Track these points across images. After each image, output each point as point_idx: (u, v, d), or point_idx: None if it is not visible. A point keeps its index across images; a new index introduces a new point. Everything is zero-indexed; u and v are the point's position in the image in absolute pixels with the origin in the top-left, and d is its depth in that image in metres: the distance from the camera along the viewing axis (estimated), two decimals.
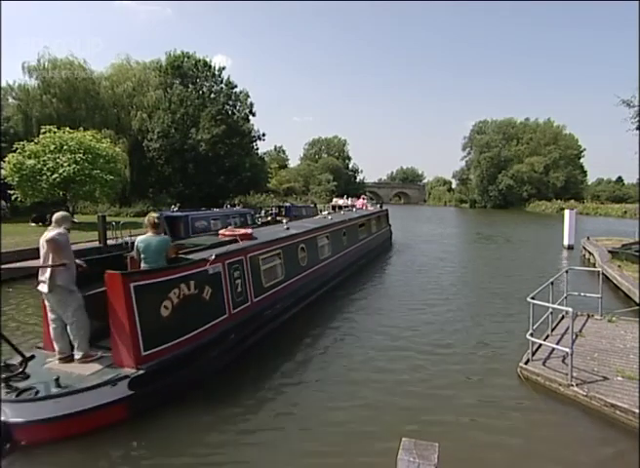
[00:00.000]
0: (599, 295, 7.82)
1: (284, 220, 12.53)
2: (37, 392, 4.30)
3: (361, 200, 27.45)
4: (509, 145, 71.36)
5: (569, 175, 66.53)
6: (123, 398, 4.57)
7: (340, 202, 32.80)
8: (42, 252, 4.96)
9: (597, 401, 4.85)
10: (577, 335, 6.77)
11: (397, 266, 15.20)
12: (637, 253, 12.78)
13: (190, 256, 6.12)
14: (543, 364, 5.83)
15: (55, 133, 21.71)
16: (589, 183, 78.18)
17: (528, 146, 70.35)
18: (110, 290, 4.80)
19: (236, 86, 41.47)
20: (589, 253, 15.65)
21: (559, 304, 6.78)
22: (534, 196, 65.42)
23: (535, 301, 5.88)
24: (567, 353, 5.41)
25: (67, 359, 5.01)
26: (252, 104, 42.16)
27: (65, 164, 20.24)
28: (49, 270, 4.81)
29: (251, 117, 42.69)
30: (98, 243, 15.61)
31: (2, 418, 4.13)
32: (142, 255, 5.45)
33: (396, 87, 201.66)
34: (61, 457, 4.08)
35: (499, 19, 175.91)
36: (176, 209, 20.37)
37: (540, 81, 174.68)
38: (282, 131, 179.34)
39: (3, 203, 24.88)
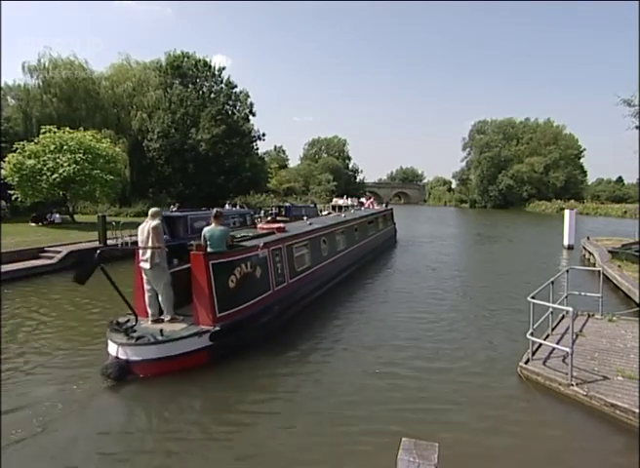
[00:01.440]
0: (599, 295, 7.82)
1: (304, 217, 14.42)
2: (149, 339, 5.77)
3: (368, 200, 28.33)
4: (509, 145, 71.27)
5: (569, 175, 66.45)
6: (205, 347, 6.06)
7: (341, 202, 32.87)
8: (141, 237, 6.35)
9: (597, 400, 4.85)
10: (577, 335, 6.76)
11: (401, 262, 15.65)
12: (637, 253, 12.78)
13: (243, 244, 7.51)
14: (544, 363, 5.82)
15: (55, 133, 21.69)
16: (589, 183, 78.08)
17: (528, 146, 70.27)
18: (194, 266, 6.30)
19: (236, 86, 41.56)
20: (589, 253, 15.64)
21: (559, 304, 6.78)
22: (534, 196, 65.35)
23: (535, 301, 5.87)
24: (567, 353, 5.41)
25: (158, 320, 6.46)
26: (252, 104, 42.25)
27: (65, 164, 20.21)
28: (149, 251, 6.19)
29: (251, 117, 42.75)
30: (98, 243, 15.61)
31: (124, 357, 5.69)
32: (208, 242, 6.70)
33: (396, 87, 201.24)
34: (163, 387, 5.51)
35: (499, 19, 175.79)
36: (174, 209, 20.30)
37: (541, 81, 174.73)
38: (282, 131, 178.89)
39: (3, 203, 24.86)
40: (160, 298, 6.44)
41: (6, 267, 12.18)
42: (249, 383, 5.70)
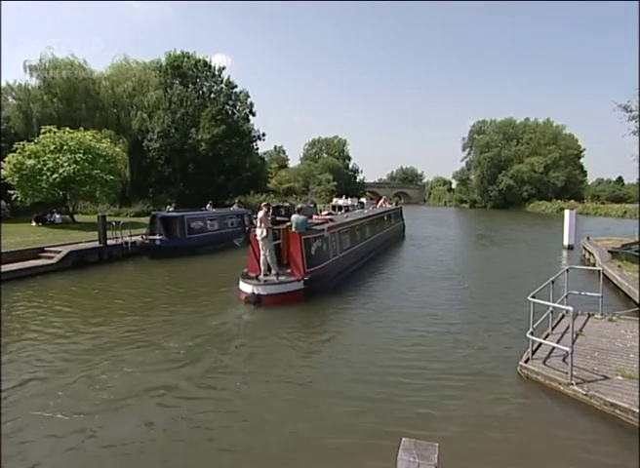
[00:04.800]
0: (599, 295, 7.81)
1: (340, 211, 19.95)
2: (272, 281, 9.56)
3: (382, 199, 29.81)
4: (509, 145, 71.10)
5: (569, 175, 66.29)
6: (301, 289, 9.58)
7: (341, 202, 32.99)
8: (258, 222, 9.89)
9: (597, 400, 4.85)
10: (577, 334, 6.76)
11: (408, 255, 18.15)
12: (637, 253, 12.77)
13: (314, 228, 10.94)
14: (544, 362, 5.83)
15: (55, 133, 21.67)
16: (589, 183, 77.94)
17: (528, 146, 70.13)
18: (292, 239, 9.96)
19: (236, 86, 41.35)
20: (589, 252, 15.62)
21: (559, 303, 6.78)
22: (534, 196, 65.15)
23: (535, 300, 5.86)
24: (567, 352, 5.41)
25: (268, 274, 9.83)
26: (252, 104, 42.06)
27: (65, 164, 20.18)
28: (264, 229, 9.69)
29: (251, 117, 42.64)
30: (98, 243, 15.61)
31: (257, 292, 9.23)
32: (294, 225, 10.09)
33: (396, 87, 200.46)
34: (280, 312, 8.97)
35: (499, 19, 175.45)
36: (171, 209, 20.11)
37: (541, 81, 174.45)
38: (282, 131, 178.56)
39: (3, 203, 24.84)
40: (269, 259, 9.75)
41: (6, 267, 12.18)
42: (321, 313, 9.10)
